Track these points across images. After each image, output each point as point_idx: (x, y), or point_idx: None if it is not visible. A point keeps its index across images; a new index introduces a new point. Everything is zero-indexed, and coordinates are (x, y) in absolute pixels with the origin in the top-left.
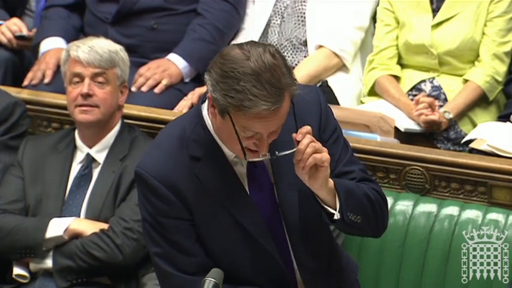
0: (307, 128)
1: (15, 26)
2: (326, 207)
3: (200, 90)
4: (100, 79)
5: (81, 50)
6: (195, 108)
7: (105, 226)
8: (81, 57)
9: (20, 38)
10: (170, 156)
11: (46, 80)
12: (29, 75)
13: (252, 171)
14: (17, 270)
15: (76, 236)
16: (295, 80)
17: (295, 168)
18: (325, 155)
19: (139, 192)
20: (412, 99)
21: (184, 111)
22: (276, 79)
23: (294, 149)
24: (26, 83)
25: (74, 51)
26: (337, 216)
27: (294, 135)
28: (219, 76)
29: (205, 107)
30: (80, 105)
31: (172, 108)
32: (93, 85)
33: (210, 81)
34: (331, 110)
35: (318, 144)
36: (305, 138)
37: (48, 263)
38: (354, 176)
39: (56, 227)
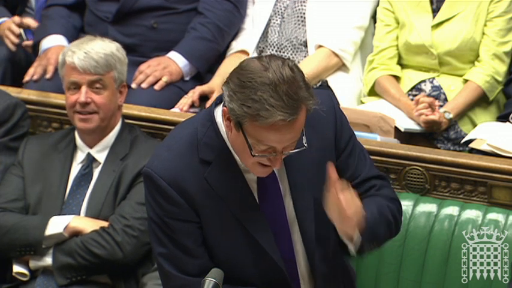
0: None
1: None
2: (346, 241)
3: (201, 89)
4: (97, 85)
5: (76, 57)
6: (207, 111)
7: (105, 224)
8: (77, 63)
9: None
10: (180, 158)
11: (48, 75)
12: (30, 71)
13: (263, 179)
14: (16, 268)
15: (76, 233)
16: (313, 95)
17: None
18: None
19: (147, 193)
20: (412, 99)
21: (185, 109)
22: (294, 91)
23: (302, 148)
24: (27, 78)
25: (70, 58)
26: (352, 252)
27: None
28: (236, 86)
29: (218, 110)
30: (79, 112)
31: (172, 106)
32: (90, 92)
33: (227, 91)
34: (345, 115)
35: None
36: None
37: (48, 260)
38: (374, 183)
39: (56, 225)
